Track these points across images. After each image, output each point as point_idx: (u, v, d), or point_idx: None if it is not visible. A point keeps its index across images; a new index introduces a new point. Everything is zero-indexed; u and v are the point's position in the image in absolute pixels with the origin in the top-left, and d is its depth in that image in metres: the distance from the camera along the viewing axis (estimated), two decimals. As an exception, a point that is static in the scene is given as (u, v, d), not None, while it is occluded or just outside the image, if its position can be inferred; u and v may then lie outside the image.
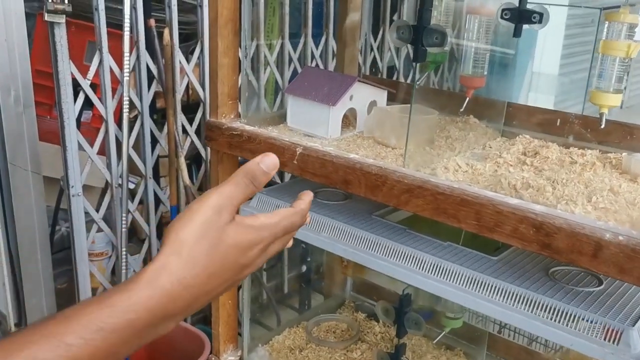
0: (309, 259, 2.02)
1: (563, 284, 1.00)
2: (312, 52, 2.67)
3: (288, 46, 2.56)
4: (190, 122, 2.42)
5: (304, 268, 2.19)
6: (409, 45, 1.10)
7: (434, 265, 1.07)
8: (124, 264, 2.17)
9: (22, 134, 2.18)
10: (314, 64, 2.68)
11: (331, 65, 2.75)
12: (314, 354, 1.39)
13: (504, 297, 1.00)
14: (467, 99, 1.24)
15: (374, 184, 1.03)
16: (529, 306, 0.97)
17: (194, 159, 2.71)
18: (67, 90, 1.97)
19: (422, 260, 1.08)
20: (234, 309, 1.41)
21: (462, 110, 1.25)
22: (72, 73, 1.97)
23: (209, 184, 2.53)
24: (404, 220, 1.26)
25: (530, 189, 0.96)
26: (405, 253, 1.10)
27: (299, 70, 2.65)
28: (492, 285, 1.02)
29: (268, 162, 0.67)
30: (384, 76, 2.98)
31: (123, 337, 0.53)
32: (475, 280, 1.04)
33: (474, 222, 0.93)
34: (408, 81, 3.06)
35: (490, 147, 1.23)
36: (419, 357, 1.32)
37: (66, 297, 2.83)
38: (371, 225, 1.19)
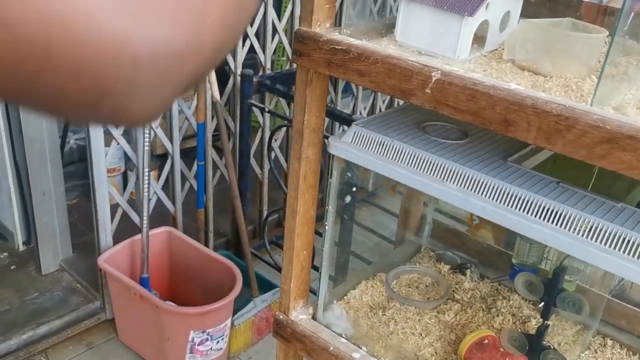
0: (354, 189, 1.70)
1: None
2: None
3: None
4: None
5: (348, 198, 1.90)
6: None
7: (611, 234, 0.77)
8: (146, 183, 1.85)
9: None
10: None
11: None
12: (400, 316, 1.12)
13: None
14: (632, 13, 0.91)
15: (554, 128, 0.72)
16: None
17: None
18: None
19: (594, 227, 0.78)
20: (309, 260, 1.12)
21: (626, 28, 0.92)
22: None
23: (236, 101, 2.18)
24: (537, 168, 0.95)
25: None
26: (568, 215, 0.80)
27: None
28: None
29: None
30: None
31: None
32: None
33: None
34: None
35: (661, 79, 0.92)
36: (553, 337, 1.05)
37: (78, 214, 2.51)
38: (511, 175, 0.88)
